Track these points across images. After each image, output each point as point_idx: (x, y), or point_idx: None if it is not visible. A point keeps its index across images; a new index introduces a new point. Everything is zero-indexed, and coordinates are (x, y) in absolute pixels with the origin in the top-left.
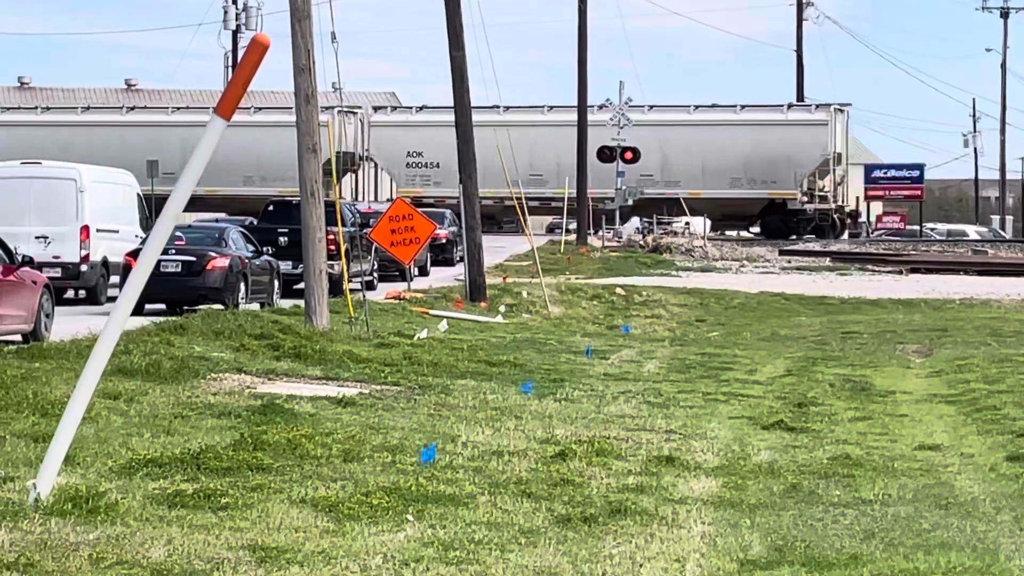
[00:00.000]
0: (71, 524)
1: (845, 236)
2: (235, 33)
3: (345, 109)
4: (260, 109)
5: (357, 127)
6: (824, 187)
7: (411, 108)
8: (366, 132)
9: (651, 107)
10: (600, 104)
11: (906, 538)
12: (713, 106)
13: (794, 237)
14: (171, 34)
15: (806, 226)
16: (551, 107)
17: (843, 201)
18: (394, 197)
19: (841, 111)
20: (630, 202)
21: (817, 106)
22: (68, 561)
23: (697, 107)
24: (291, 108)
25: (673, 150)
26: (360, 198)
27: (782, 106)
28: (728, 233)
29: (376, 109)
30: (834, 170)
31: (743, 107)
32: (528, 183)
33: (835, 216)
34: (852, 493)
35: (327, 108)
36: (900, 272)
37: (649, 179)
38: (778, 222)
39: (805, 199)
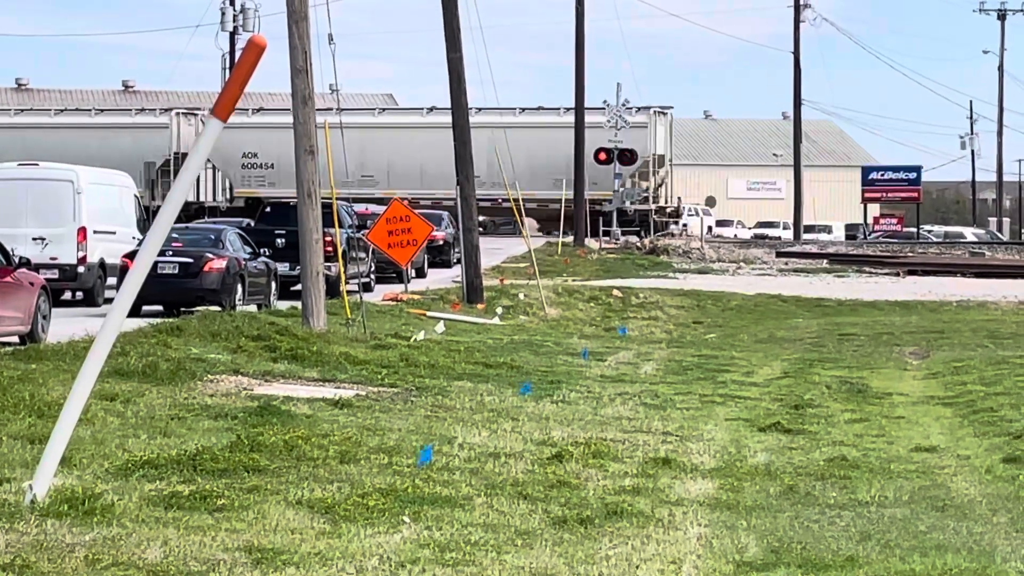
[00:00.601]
0: (67, 525)
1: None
2: (232, 35)
3: (184, 111)
4: (62, 111)
5: (197, 128)
6: (646, 188)
7: (247, 110)
8: None
9: (479, 109)
10: (520, 107)
11: (902, 540)
12: (539, 108)
13: None
14: (169, 36)
15: (627, 227)
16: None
17: (665, 202)
18: (231, 197)
19: (664, 114)
20: (627, 204)
21: (638, 109)
22: (64, 562)
23: (524, 109)
24: (115, 110)
25: (500, 151)
26: (197, 198)
27: (603, 109)
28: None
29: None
30: (655, 171)
31: (567, 110)
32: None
33: (655, 217)
34: (848, 495)
35: (165, 110)
36: (897, 274)
37: (477, 180)
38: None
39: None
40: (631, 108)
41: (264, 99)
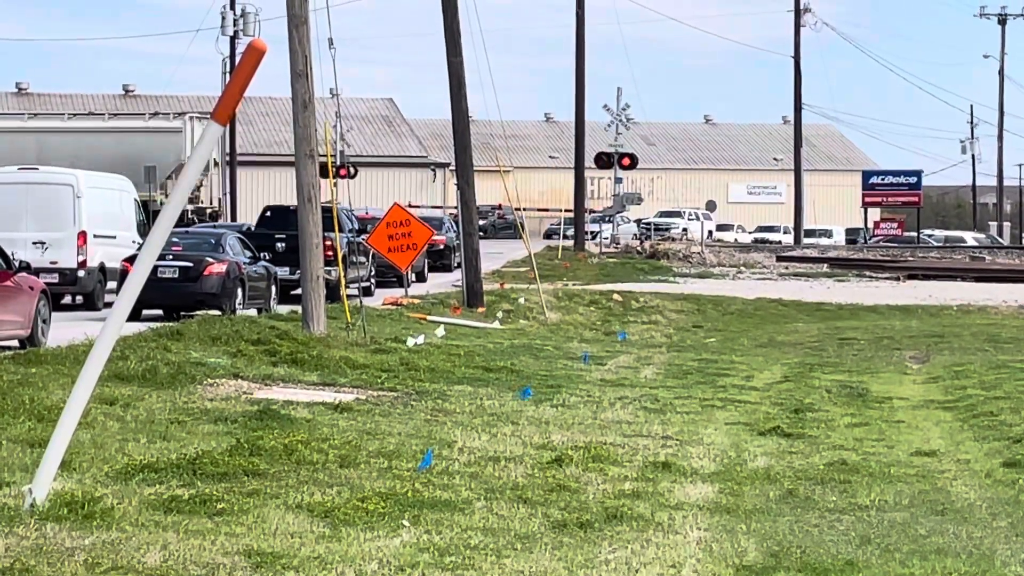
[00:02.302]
0: (67, 529)
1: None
2: (233, 39)
3: None
4: None
5: None
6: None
7: None
8: None
9: (32, 115)
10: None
11: (902, 544)
12: (89, 114)
13: None
14: (169, 40)
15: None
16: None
17: (207, 203)
18: None
19: (200, 120)
20: (628, 208)
21: (175, 115)
22: (63, 566)
23: (73, 115)
24: None
25: (54, 154)
26: None
27: (144, 115)
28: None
29: None
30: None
31: (112, 115)
32: None
33: (193, 216)
34: (848, 499)
35: None
36: (897, 278)
37: None
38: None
39: (165, 200)
40: (169, 114)
41: (265, 103)
